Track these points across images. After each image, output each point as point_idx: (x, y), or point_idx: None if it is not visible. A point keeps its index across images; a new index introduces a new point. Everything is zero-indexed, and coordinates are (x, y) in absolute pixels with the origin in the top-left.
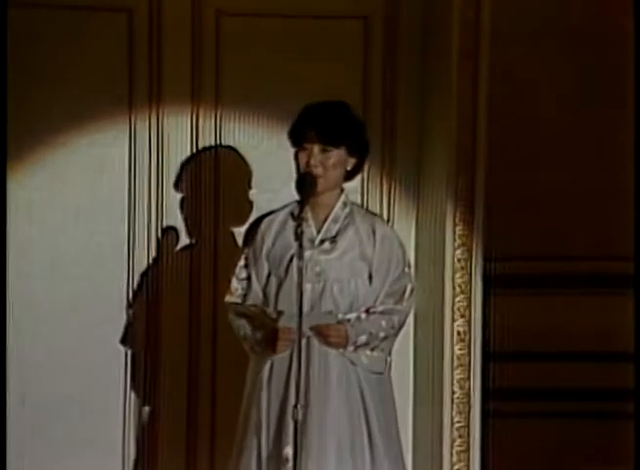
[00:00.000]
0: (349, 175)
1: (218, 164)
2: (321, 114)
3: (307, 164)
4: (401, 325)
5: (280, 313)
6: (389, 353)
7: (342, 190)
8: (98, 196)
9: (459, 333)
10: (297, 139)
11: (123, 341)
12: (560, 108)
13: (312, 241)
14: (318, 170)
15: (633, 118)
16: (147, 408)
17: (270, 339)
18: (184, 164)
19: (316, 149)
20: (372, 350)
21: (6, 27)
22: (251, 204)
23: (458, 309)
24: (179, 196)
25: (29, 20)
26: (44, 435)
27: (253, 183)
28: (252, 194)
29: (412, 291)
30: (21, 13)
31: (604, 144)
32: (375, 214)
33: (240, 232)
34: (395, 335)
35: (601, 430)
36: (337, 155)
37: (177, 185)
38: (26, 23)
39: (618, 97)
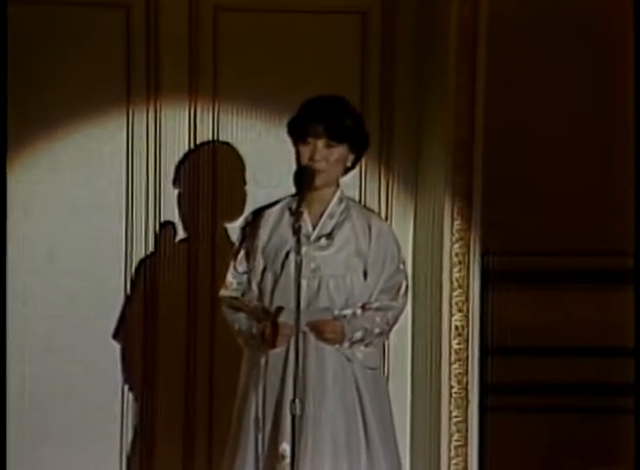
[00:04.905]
0: (345, 171)
1: (216, 159)
2: (326, 108)
3: (311, 158)
4: (395, 321)
5: (277, 309)
6: (382, 349)
7: (338, 186)
8: (96, 191)
9: (457, 328)
10: (301, 133)
11: (121, 336)
12: (558, 103)
13: (308, 237)
14: (321, 165)
15: (633, 113)
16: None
17: (266, 333)
18: (182, 160)
19: (320, 144)
20: (366, 345)
21: (6, 24)
22: (244, 199)
23: (456, 304)
24: (177, 191)
25: (28, 16)
26: (43, 431)
27: (252, 178)
28: (246, 189)
29: (407, 288)
30: (19, 9)
31: (603, 139)
32: (371, 210)
33: (233, 227)
34: (389, 331)
35: (600, 425)
36: (340, 150)
37: (175, 180)
38: (25, 19)
39: (618, 92)
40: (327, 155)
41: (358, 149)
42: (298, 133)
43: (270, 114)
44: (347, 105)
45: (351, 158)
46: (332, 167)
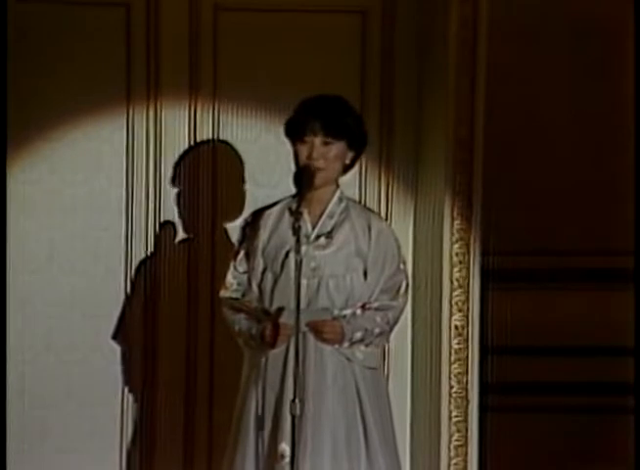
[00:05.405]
0: (345, 170)
1: (216, 158)
2: (323, 106)
3: (309, 156)
4: (396, 321)
5: (277, 309)
6: (383, 349)
7: (337, 185)
8: (95, 190)
9: (457, 327)
10: (298, 132)
11: (121, 336)
12: (558, 103)
13: (307, 236)
14: (320, 163)
15: (633, 112)
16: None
17: (266, 334)
18: (181, 159)
19: (318, 141)
20: (367, 345)
21: (6, 23)
22: (244, 198)
23: (456, 304)
24: (176, 190)
25: (27, 14)
26: (43, 430)
27: (251, 178)
28: (246, 188)
29: (407, 287)
30: (19, 7)
31: (603, 139)
32: (371, 210)
33: (233, 227)
34: (390, 331)
35: (600, 424)
36: (338, 147)
37: (174, 179)
38: (24, 16)
39: (618, 91)
40: (325, 152)
41: (357, 146)
42: (296, 132)
43: (270, 113)
44: (344, 102)
45: (350, 155)
46: (331, 165)
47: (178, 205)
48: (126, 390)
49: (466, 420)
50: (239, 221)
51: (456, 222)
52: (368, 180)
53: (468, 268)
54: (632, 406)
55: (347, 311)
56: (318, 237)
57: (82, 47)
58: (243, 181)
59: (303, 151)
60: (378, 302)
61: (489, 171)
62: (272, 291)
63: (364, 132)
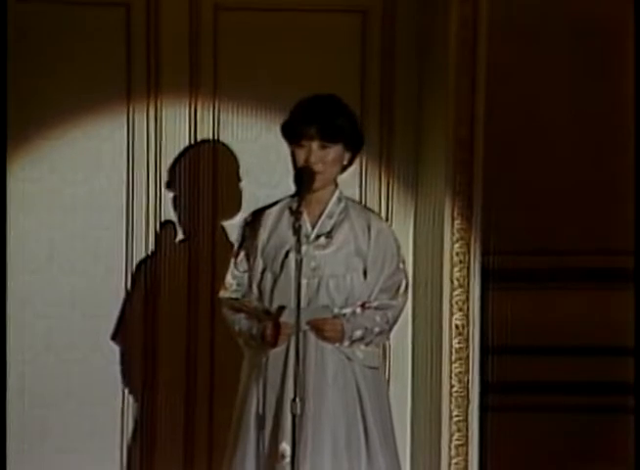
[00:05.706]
0: (343, 169)
1: (216, 157)
2: (318, 110)
3: (307, 160)
4: (395, 320)
5: (278, 308)
6: (383, 349)
7: (336, 185)
8: (96, 190)
9: (457, 327)
10: (295, 136)
11: (121, 336)
12: (558, 103)
13: (307, 236)
14: (318, 167)
15: (633, 112)
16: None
17: (266, 333)
18: (181, 158)
19: (315, 146)
20: (367, 344)
21: (6, 23)
22: (241, 196)
23: (456, 303)
24: (176, 190)
25: (27, 14)
26: (43, 430)
27: (252, 177)
28: (242, 186)
29: (406, 287)
30: (19, 7)
31: (603, 139)
32: (370, 210)
33: (231, 225)
34: (389, 330)
35: (600, 424)
36: (335, 151)
37: (174, 179)
38: (24, 16)
39: (618, 91)
40: (322, 156)
41: (354, 147)
42: (293, 136)
43: (270, 112)
44: (339, 103)
45: (348, 156)
46: (329, 168)
47: (178, 204)
48: (126, 390)
49: (466, 420)
50: (237, 219)
51: (456, 222)
52: (368, 180)
53: (468, 268)
54: (632, 406)
55: (347, 310)
56: (318, 237)
57: (82, 47)
58: (239, 179)
59: (301, 154)
60: (377, 301)
61: (489, 171)
62: (272, 291)
63: (360, 133)
